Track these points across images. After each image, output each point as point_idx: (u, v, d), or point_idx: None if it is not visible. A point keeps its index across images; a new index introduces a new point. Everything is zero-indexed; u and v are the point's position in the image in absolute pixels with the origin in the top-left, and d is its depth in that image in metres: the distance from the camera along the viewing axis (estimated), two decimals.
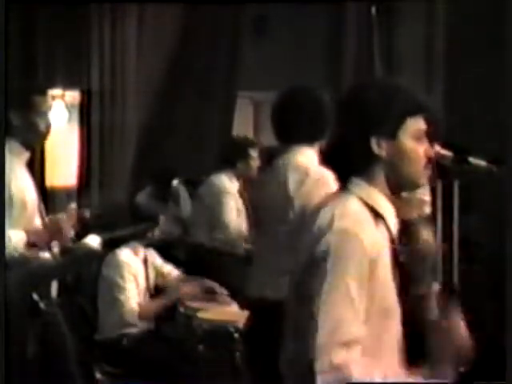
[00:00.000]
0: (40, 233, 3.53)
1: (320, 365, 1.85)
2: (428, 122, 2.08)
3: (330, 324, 1.86)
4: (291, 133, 3.11)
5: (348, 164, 2.06)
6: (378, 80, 2.24)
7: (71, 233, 3.61)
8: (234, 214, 5.50)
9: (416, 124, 2.04)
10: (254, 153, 5.64)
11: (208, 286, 4.66)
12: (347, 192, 2.03)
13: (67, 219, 3.55)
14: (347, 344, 1.86)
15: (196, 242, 5.55)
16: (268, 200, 3.15)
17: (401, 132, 2.02)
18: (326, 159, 2.20)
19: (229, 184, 5.58)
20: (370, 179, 2.03)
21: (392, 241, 2.03)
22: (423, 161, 2.04)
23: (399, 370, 1.98)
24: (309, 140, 3.09)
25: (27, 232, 3.44)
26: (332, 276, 1.89)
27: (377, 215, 2.00)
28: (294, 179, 3.03)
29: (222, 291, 4.60)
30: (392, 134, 2.01)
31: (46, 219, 3.61)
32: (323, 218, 1.97)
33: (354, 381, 1.85)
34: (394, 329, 2.01)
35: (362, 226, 1.95)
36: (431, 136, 2.08)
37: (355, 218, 1.96)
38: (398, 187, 2.05)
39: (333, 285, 1.89)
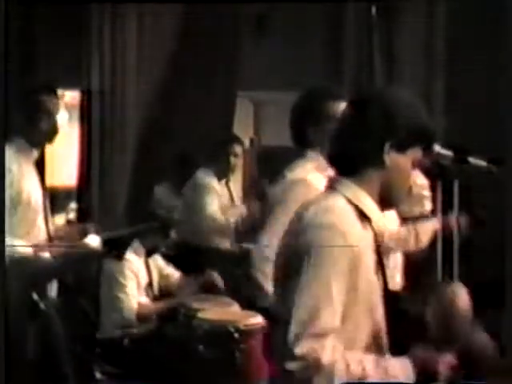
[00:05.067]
0: (49, 246, 3.55)
1: (291, 354, 1.86)
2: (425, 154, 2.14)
3: (305, 314, 1.88)
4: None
5: (345, 163, 2.07)
6: (403, 89, 2.22)
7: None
8: (215, 208, 5.54)
9: (418, 152, 2.08)
10: (237, 149, 5.70)
11: (208, 278, 4.70)
12: (334, 191, 2.05)
13: (78, 232, 3.59)
14: (319, 335, 1.88)
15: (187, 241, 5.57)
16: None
17: (409, 151, 2.05)
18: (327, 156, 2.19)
19: (208, 180, 5.65)
20: (360, 181, 2.05)
21: (377, 241, 2.06)
22: (409, 185, 2.09)
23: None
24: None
25: (34, 247, 3.45)
26: (313, 268, 1.91)
27: (362, 215, 2.03)
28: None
29: (220, 283, 4.66)
30: (403, 148, 2.04)
31: (57, 224, 3.64)
32: (308, 213, 1.99)
33: (323, 369, 1.86)
34: (377, 326, 2.03)
35: (346, 222, 1.97)
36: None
37: (339, 213, 1.99)
38: (384, 199, 2.07)
39: (313, 277, 1.91)
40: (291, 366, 1.86)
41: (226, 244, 5.69)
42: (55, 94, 3.65)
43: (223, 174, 5.74)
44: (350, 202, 2.02)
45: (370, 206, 2.04)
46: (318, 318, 1.88)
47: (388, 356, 2.01)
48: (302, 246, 1.94)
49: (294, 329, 1.87)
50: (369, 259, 2.00)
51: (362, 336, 2.00)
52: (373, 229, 2.05)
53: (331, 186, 2.07)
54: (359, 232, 1.99)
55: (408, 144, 2.04)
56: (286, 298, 1.94)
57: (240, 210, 5.71)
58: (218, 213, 5.56)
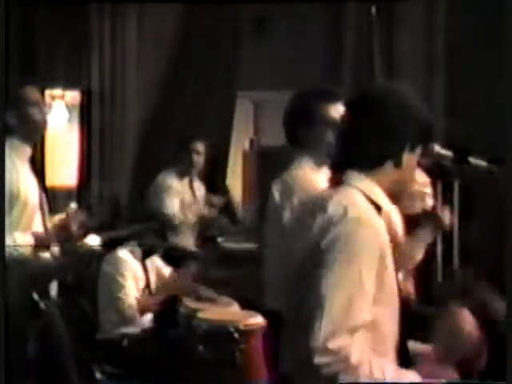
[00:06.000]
0: (47, 234, 3.52)
1: (321, 349, 1.85)
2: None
3: (340, 309, 1.87)
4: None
5: (360, 161, 2.06)
6: (406, 87, 2.23)
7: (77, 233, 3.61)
8: (173, 206, 5.51)
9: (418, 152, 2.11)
10: (199, 147, 5.67)
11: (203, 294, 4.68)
12: (348, 185, 2.05)
13: (75, 220, 3.55)
14: (354, 329, 1.88)
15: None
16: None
17: (416, 151, 2.08)
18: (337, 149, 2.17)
19: (167, 180, 5.63)
20: (372, 177, 2.04)
21: (389, 233, 2.06)
22: (413, 183, 2.13)
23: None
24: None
25: (33, 234, 3.44)
26: (344, 263, 1.90)
27: (376, 207, 2.03)
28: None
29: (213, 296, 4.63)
30: (415, 148, 2.07)
31: (55, 219, 3.61)
32: (334, 208, 1.97)
33: (351, 364, 1.86)
34: (395, 325, 2.03)
35: (369, 213, 1.99)
36: None
37: (364, 208, 1.99)
38: (388, 195, 2.08)
39: (344, 271, 1.89)
40: (320, 360, 1.85)
41: (188, 241, 5.64)
42: (36, 86, 3.65)
43: (186, 172, 5.72)
44: (363, 193, 2.02)
45: (381, 196, 2.05)
46: (352, 314, 1.87)
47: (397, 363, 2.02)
48: (327, 241, 1.92)
49: (326, 324, 1.85)
50: (389, 251, 2.00)
51: (383, 335, 2.00)
52: (386, 220, 2.06)
53: (340, 181, 2.07)
54: (381, 224, 2.00)
55: (418, 143, 2.07)
56: (307, 295, 1.92)
57: (200, 209, 5.72)
58: (177, 211, 5.55)
